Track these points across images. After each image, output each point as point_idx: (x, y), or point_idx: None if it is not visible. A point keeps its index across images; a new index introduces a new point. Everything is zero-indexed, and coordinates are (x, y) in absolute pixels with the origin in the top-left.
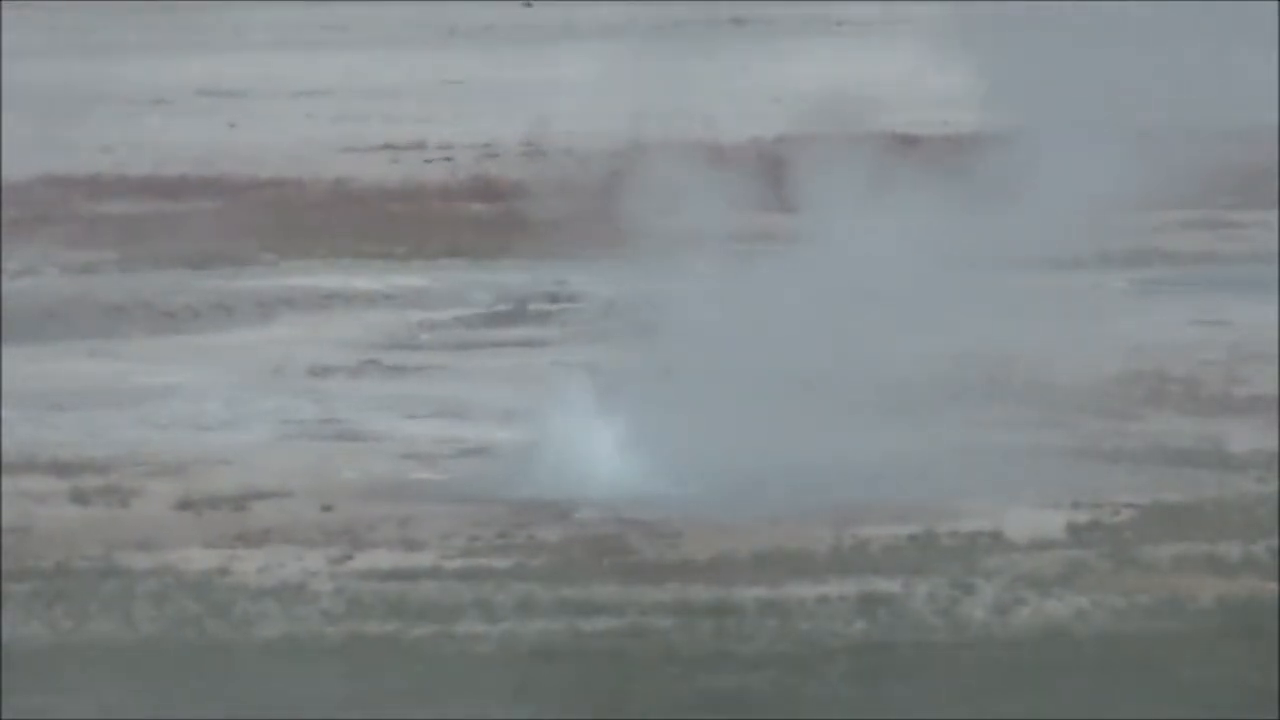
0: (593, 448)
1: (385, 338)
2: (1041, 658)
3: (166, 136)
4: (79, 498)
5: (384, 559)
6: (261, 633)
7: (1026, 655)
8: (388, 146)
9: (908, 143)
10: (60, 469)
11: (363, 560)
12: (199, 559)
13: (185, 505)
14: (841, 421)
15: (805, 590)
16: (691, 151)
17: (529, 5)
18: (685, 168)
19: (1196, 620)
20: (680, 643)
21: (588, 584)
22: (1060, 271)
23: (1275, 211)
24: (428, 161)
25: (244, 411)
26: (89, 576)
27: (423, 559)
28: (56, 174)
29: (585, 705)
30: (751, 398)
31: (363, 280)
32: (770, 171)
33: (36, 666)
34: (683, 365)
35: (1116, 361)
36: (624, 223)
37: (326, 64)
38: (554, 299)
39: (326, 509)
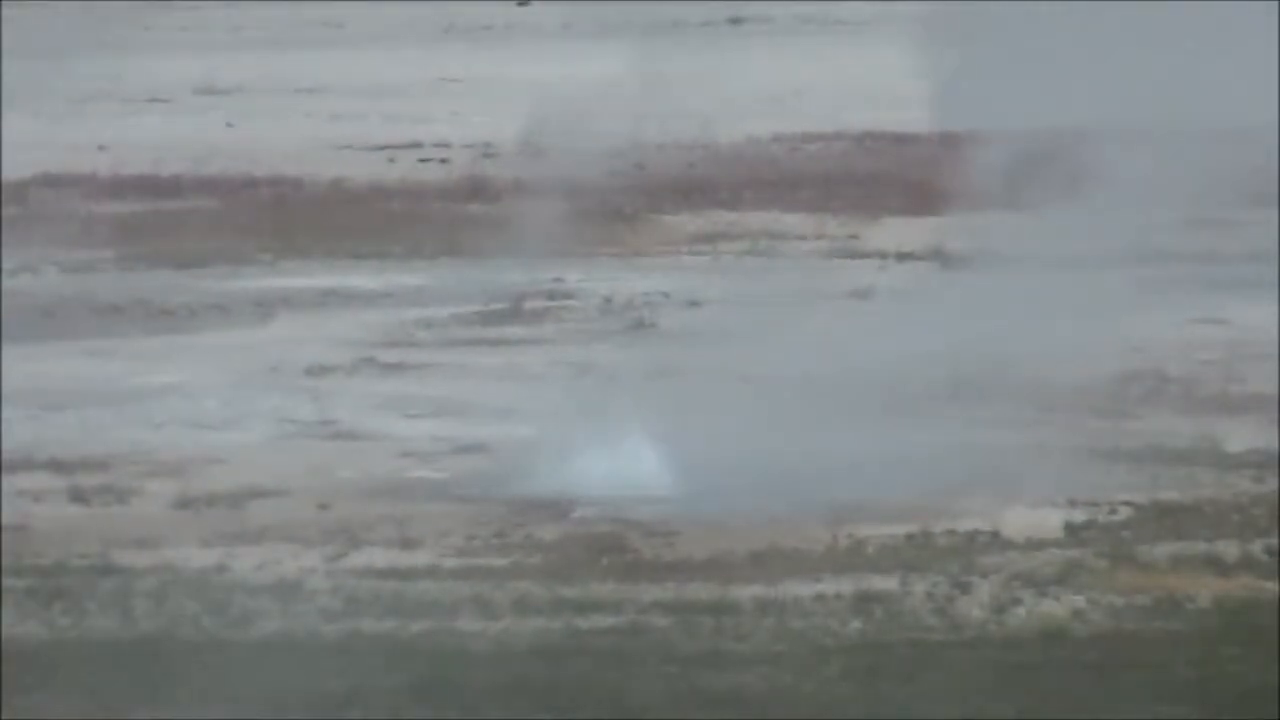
0: (590, 447)
1: (382, 336)
2: (1038, 657)
3: (163, 135)
4: (77, 496)
5: (381, 557)
6: (259, 630)
7: (1023, 654)
8: (385, 145)
9: (902, 142)
10: (58, 467)
11: (360, 558)
12: (197, 557)
13: (183, 503)
14: (840, 421)
15: (802, 589)
16: (689, 151)
17: (524, 4)
18: (683, 167)
19: (1194, 620)
20: (678, 641)
21: (585, 582)
22: (1060, 271)
23: (1275, 211)
24: (425, 161)
25: (241, 410)
26: (87, 574)
27: (420, 557)
28: (54, 173)
29: (583, 704)
30: (750, 397)
31: (360, 279)
32: (768, 171)
33: (35, 664)
34: (681, 365)
35: (1115, 361)
36: (622, 222)
37: (324, 63)
38: (551, 298)
39: (324, 507)
